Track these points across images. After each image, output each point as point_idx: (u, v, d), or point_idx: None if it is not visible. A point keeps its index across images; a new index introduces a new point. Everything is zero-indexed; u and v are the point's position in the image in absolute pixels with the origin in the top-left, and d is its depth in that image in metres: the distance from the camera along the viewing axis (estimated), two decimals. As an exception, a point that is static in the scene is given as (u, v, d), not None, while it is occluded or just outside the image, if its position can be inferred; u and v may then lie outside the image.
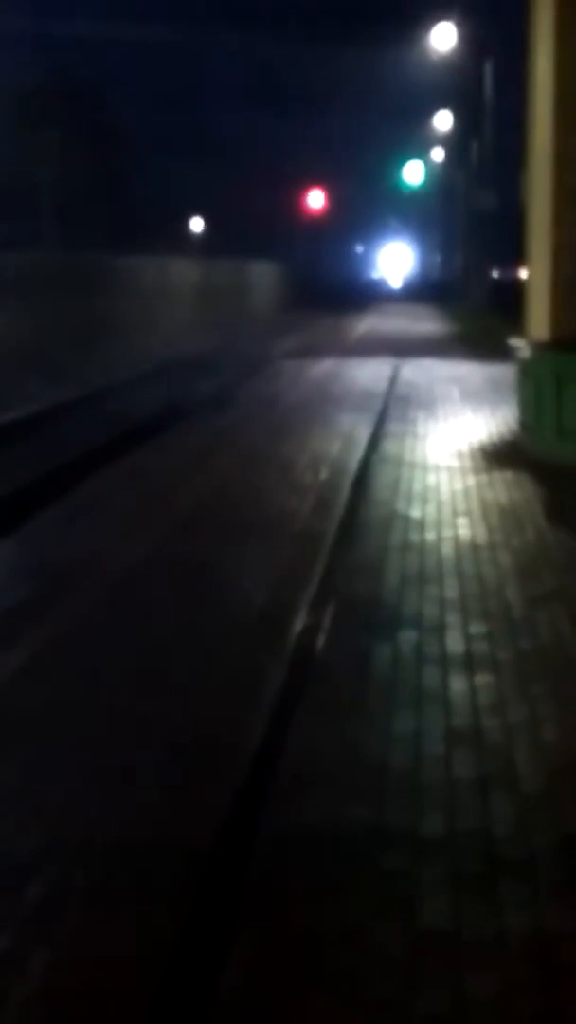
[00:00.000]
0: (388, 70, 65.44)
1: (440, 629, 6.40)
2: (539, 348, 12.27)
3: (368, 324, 40.60)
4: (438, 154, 64.45)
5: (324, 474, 11.00)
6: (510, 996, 3.23)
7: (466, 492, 10.24)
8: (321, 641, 6.18)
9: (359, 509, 9.55)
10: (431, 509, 9.55)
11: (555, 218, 12.11)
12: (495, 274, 46.64)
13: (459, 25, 45.03)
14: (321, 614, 6.61)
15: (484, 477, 10.94)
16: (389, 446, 12.71)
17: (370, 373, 20.92)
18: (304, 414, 15.39)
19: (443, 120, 58.74)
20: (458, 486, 10.50)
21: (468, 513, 9.40)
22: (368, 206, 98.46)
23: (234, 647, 6.09)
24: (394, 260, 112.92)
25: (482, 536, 8.60)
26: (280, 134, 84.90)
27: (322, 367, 22.44)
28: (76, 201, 58.81)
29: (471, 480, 10.79)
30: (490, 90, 42.87)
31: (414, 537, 8.57)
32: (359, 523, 9.05)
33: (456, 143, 55.94)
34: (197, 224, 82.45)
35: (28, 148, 57.17)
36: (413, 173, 61.30)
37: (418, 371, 21.44)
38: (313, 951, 3.42)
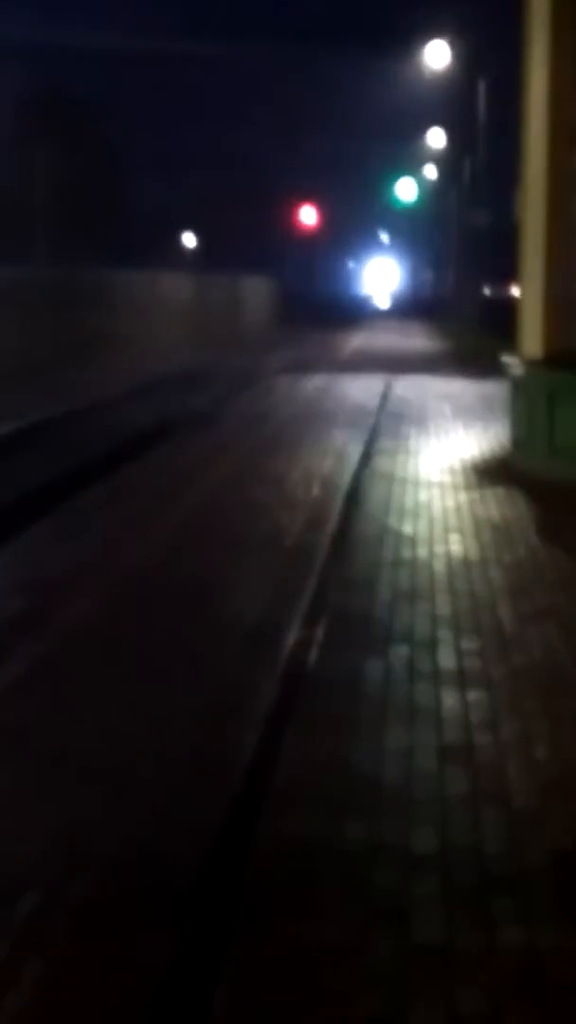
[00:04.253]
0: (381, 87, 65.75)
1: (432, 645, 6.41)
2: (532, 366, 12.31)
3: (360, 340, 40.67)
4: (431, 171, 64.61)
5: (316, 490, 11.01)
6: (502, 1012, 3.24)
7: (458, 508, 10.26)
8: (314, 656, 6.19)
9: (351, 525, 9.56)
10: (423, 525, 9.56)
11: (549, 236, 12.15)
12: (487, 291, 46.72)
13: (452, 43, 45.26)
14: (313, 629, 6.62)
15: (476, 494, 10.96)
16: (381, 462, 12.73)
17: (362, 389, 20.95)
18: (296, 429, 15.41)
19: (436, 137, 58.95)
20: (450, 502, 10.52)
21: (460, 529, 9.41)
22: (360, 222, 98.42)
23: (227, 661, 6.09)
24: (381, 277, 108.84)
25: (474, 552, 8.61)
26: (273, 150, 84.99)
27: (314, 382, 22.47)
28: (69, 216, 58.90)
29: (463, 496, 10.81)
30: (483, 108, 43.03)
31: (406, 553, 8.58)
32: (351, 538, 9.06)
33: (449, 160, 56.17)
34: (190, 239, 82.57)
35: (22, 163, 57.24)
36: (406, 190, 61.40)
37: (410, 387, 21.48)
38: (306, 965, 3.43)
